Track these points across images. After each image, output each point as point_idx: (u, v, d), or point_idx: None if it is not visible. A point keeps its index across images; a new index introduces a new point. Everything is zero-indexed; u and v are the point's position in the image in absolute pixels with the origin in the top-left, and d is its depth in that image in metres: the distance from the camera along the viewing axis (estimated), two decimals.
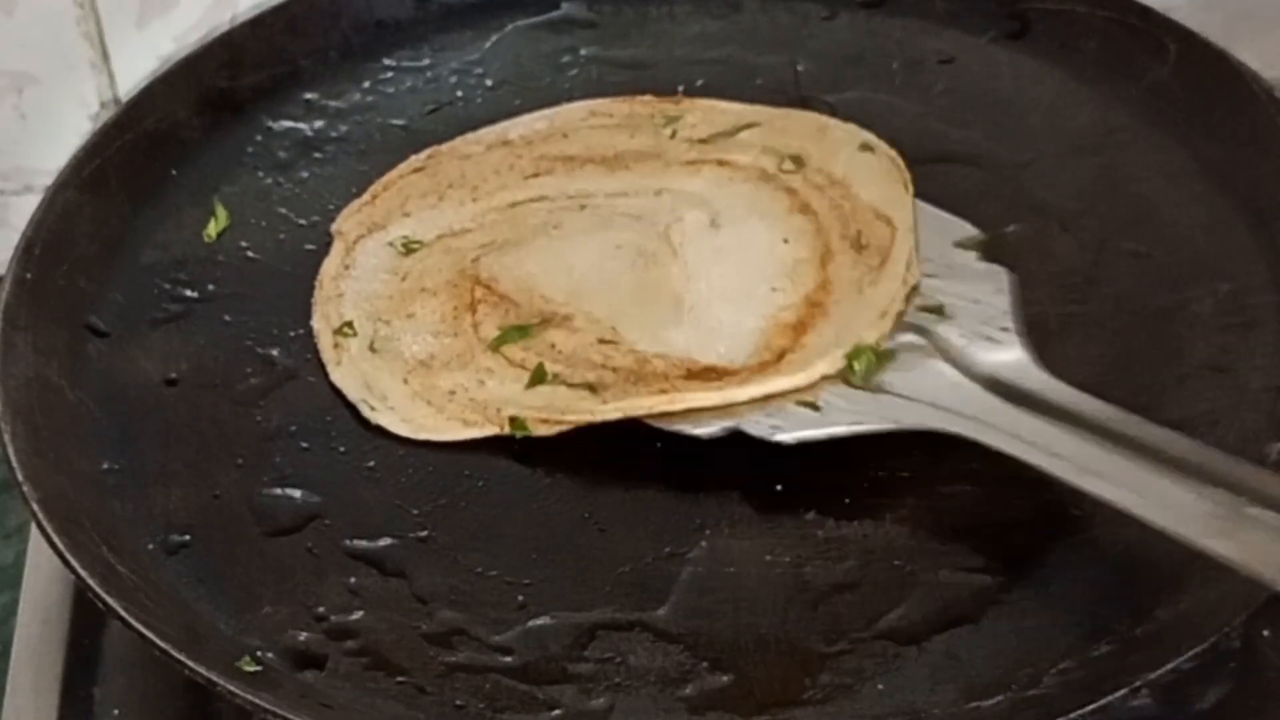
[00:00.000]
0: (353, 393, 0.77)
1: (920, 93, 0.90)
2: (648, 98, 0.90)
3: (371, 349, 0.78)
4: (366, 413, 0.76)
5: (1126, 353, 0.76)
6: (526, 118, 0.89)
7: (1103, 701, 0.60)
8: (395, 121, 0.90)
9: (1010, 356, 0.72)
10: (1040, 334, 0.77)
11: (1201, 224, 0.81)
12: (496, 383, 0.76)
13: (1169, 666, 0.61)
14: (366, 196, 0.86)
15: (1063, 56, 0.90)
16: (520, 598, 0.68)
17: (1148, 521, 0.62)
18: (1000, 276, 0.76)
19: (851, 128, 0.86)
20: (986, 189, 0.84)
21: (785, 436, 0.71)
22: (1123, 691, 0.60)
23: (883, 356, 0.73)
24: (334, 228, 0.84)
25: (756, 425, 0.71)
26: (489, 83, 0.92)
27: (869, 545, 0.69)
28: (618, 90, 0.91)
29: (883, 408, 0.71)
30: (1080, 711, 0.60)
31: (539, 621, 0.67)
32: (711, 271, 0.79)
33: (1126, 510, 0.63)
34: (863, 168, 0.83)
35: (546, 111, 0.90)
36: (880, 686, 0.65)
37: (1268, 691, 0.68)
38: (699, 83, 0.91)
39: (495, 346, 0.77)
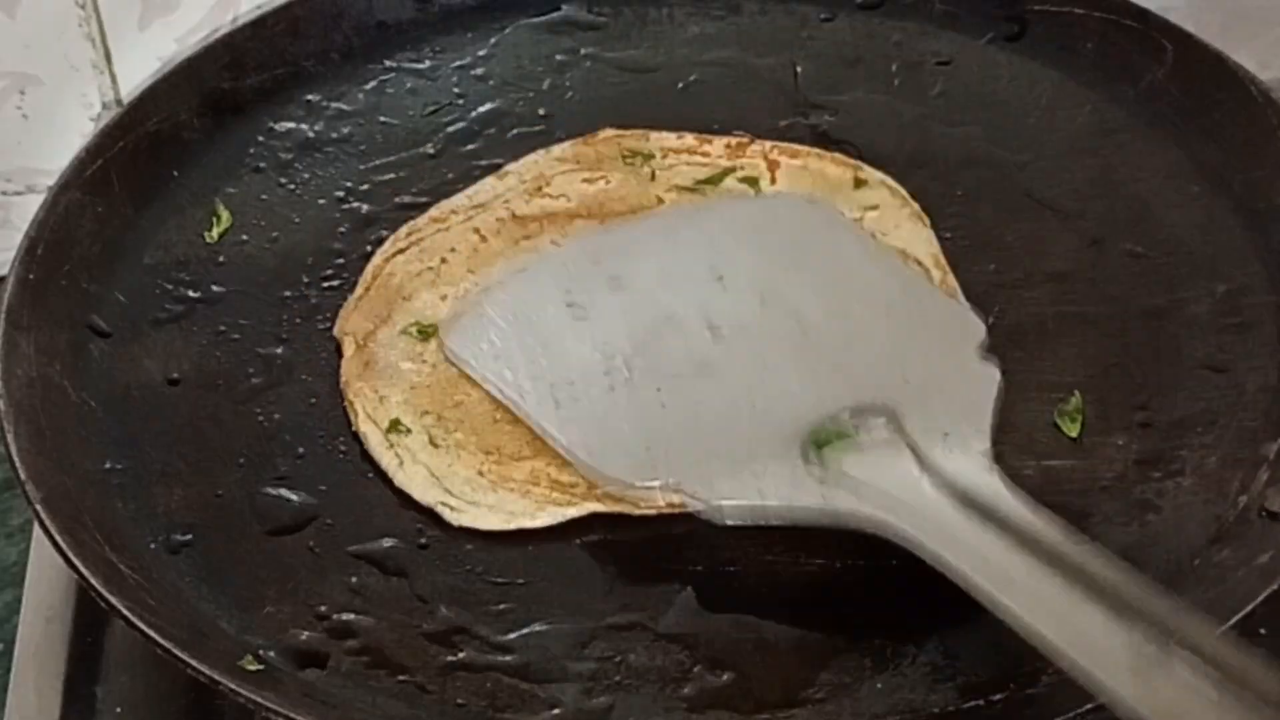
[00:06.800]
0: (426, 496, 0.72)
1: (918, 94, 0.90)
2: (609, 133, 0.88)
3: (432, 444, 0.73)
4: (449, 515, 0.71)
5: (1124, 353, 0.76)
6: (488, 181, 0.85)
7: (1103, 701, 0.60)
8: (397, 122, 0.90)
9: (973, 465, 0.67)
10: (1038, 334, 0.77)
11: (1199, 224, 0.82)
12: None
13: None
14: (359, 290, 0.80)
15: (1060, 58, 0.90)
16: (521, 597, 0.68)
17: (1065, 657, 0.59)
18: (991, 380, 0.73)
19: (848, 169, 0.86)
20: (984, 190, 0.85)
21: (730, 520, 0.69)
22: None
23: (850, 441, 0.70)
24: (337, 330, 0.79)
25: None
26: (489, 84, 0.92)
27: (869, 544, 0.69)
28: (618, 90, 0.92)
29: (833, 492, 0.68)
30: (1080, 711, 0.60)
31: (540, 621, 0.67)
32: None
33: (1047, 645, 0.59)
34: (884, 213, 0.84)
35: (510, 167, 0.86)
36: (879, 686, 0.65)
37: None
38: (698, 83, 0.92)
39: None
